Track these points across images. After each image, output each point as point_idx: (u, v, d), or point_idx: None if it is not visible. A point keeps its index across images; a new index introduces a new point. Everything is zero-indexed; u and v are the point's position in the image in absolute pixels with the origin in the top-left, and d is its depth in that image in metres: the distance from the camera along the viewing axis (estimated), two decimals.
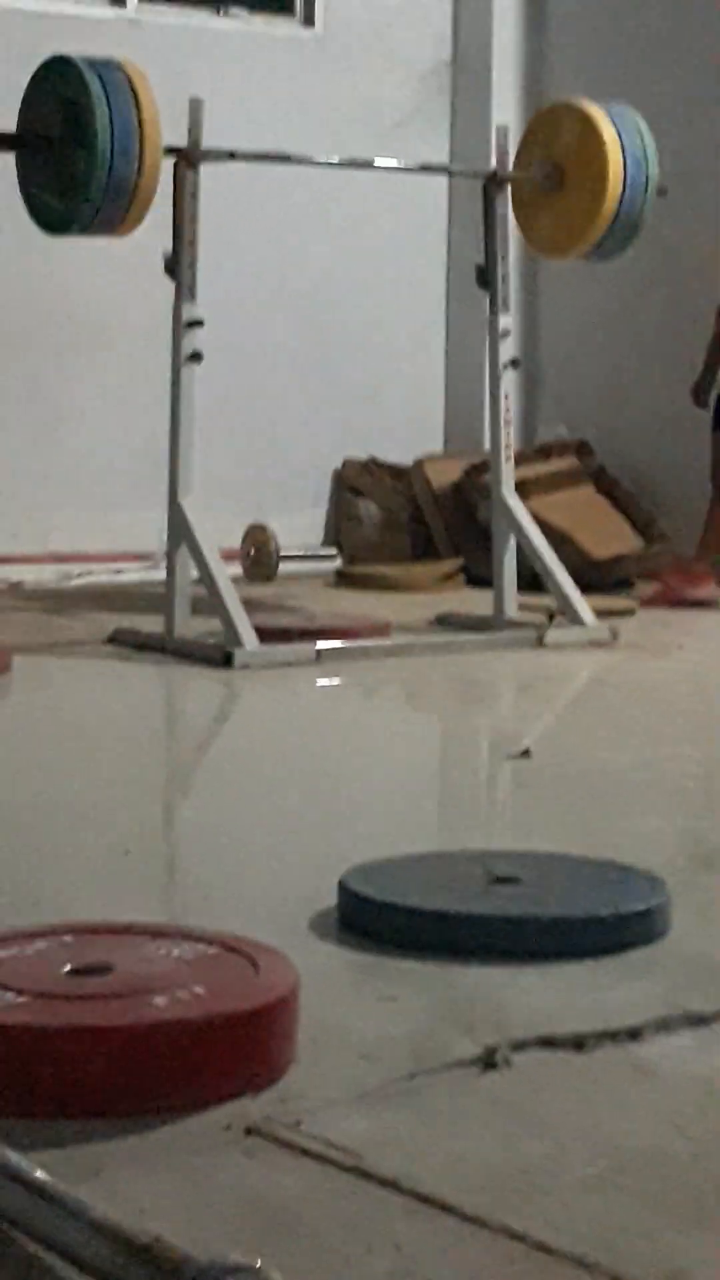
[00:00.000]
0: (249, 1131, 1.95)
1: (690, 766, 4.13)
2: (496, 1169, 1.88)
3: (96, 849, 3.37)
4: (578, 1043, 2.25)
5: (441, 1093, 2.10)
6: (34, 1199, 1.66)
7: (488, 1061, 2.18)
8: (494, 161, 6.43)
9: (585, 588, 6.38)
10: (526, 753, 4.20)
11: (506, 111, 8.08)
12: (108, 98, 5.34)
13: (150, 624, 5.90)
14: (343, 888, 2.79)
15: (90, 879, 3.14)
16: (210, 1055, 2.04)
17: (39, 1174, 1.69)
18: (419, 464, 8.29)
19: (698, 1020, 2.34)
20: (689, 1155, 1.93)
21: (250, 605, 5.83)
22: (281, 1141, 1.93)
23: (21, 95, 5.69)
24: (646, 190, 6.19)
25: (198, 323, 5.74)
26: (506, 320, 6.42)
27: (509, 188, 6.38)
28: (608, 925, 2.65)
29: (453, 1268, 1.67)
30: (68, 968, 2.22)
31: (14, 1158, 1.73)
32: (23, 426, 7.70)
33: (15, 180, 5.70)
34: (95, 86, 5.36)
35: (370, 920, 2.70)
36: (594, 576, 7.23)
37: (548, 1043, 2.25)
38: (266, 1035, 2.11)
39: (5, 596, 7.19)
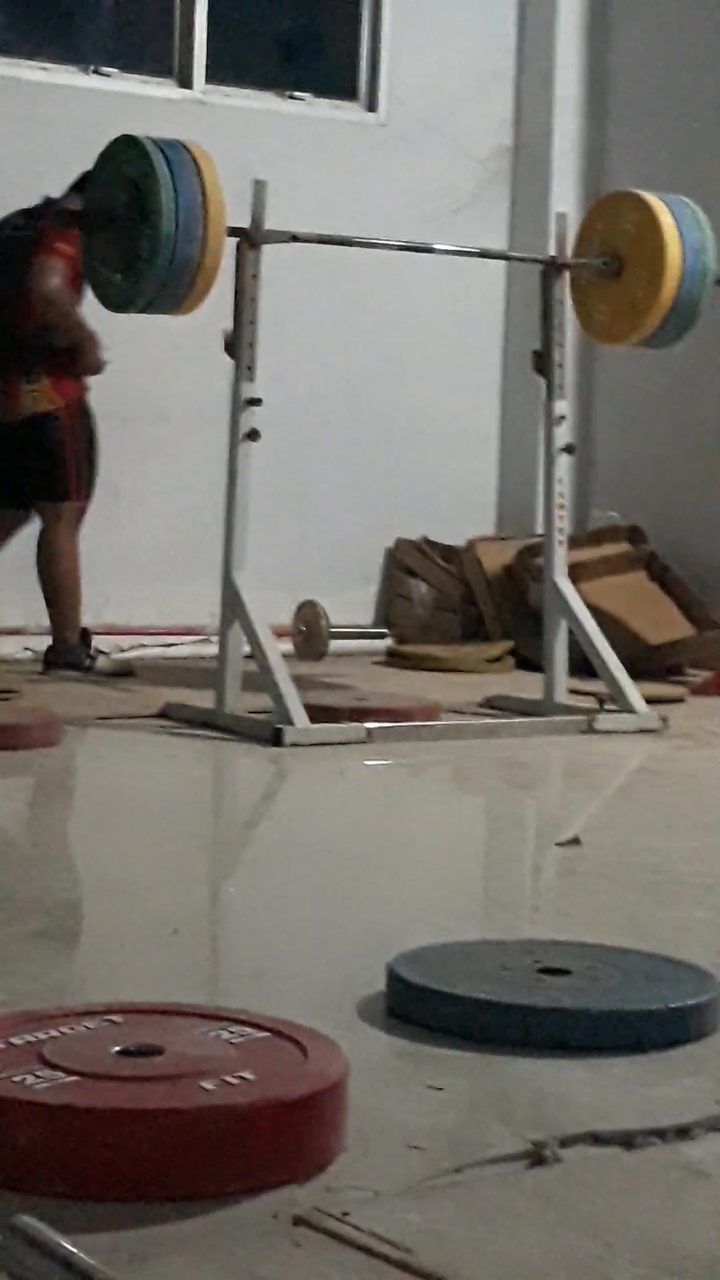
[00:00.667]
0: (297, 1221, 1.95)
1: None
2: (543, 1267, 1.87)
3: (144, 928, 3.37)
4: (626, 1140, 2.24)
5: (489, 1187, 2.09)
6: None
7: (535, 1157, 2.17)
8: (553, 248, 6.47)
9: (636, 674, 6.37)
10: (576, 840, 4.19)
11: (566, 199, 8.14)
12: (173, 177, 5.41)
13: (201, 699, 5.91)
14: (391, 974, 2.78)
15: (138, 958, 3.14)
16: (258, 1142, 2.03)
17: (86, 1259, 1.69)
18: (471, 545, 8.31)
19: None
20: None
21: (300, 682, 5.85)
22: (329, 1233, 1.92)
23: (89, 174, 5.78)
24: (705, 279, 6.22)
25: (256, 401, 5.77)
26: (562, 406, 6.44)
27: (567, 274, 6.41)
28: (658, 1020, 2.64)
29: None
30: (117, 1048, 2.22)
31: (61, 1241, 1.73)
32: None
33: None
34: (161, 166, 5.42)
35: (419, 1008, 2.70)
36: (645, 663, 7.22)
37: (596, 1139, 2.23)
38: (315, 1123, 2.10)
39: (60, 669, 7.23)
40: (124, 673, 6.90)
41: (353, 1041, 2.43)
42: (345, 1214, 1.97)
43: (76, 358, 6.81)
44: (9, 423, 6.88)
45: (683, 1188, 2.12)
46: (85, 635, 7.08)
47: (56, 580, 7.02)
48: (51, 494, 6.98)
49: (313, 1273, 1.84)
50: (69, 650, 6.98)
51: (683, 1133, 2.27)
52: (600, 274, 6.38)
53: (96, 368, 6.88)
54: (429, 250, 7.02)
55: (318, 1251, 1.89)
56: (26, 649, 7.39)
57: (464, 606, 8.24)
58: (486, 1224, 1.99)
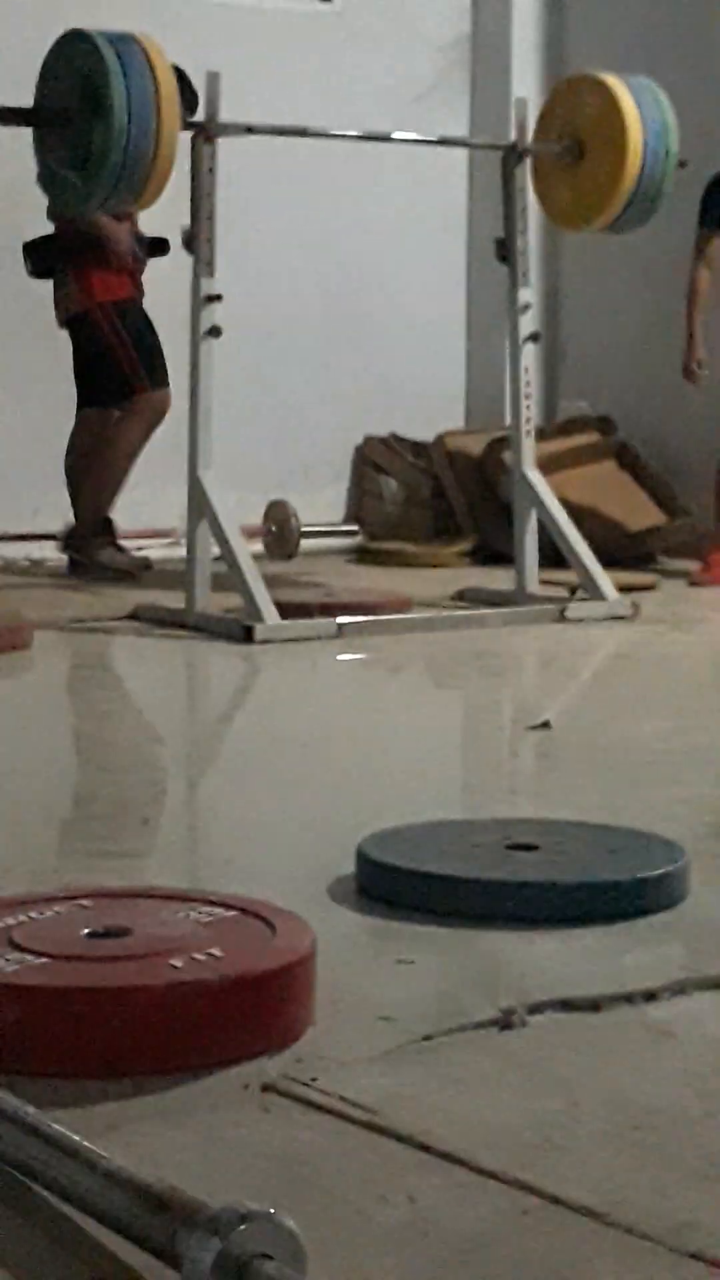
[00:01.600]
0: (265, 1089, 1.98)
1: (709, 738, 4.14)
2: (511, 1125, 1.90)
3: (116, 817, 3.40)
4: (594, 1005, 2.28)
5: (458, 1053, 2.12)
6: (53, 1152, 1.69)
7: (505, 1023, 2.20)
8: (514, 134, 6.42)
9: (609, 563, 6.39)
10: (546, 724, 4.22)
11: (526, 84, 8.07)
12: (125, 71, 5.35)
13: (171, 600, 5.92)
14: (361, 854, 2.81)
15: (111, 846, 3.17)
16: (227, 1016, 2.06)
17: (57, 1128, 1.72)
18: (440, 440, 8.29)
19: (714, 984, 2.36)
20: (702, 1113, 1.95)
21: (271, 581, 5.85)
22: (298, 1098, 1.96)
23: (39, 72, 5.71)
24: (667, 162, 6.18)
25: (216, 298, 5.75)
26: (527, 294, 6.42)
27: (529, 160, 6.37)
28: (625, 891, 2.67)
29: (465, 1219, 1.69)
30: (87, 931, 2.24)
31: (33, 1113, 1.76)
32: (42, 406, 7.72)
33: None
34: (112, 60, 5.36)
35: (388, 886, 2.73)
36: (620, 551, 7.24)
37: (565, 1005, 2.27)
38: (283, 996, 2.13)
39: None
40: (144, 568, 6.84)
41: (323, 920, 2.46)
42: (313, 1079, 2.00)
43: (102, 254, 6.74)
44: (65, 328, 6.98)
45: (649, 1048, 2.16)
46: (108, 525, 7.07)
47: (104, 460, 6.99)
48: (106, 395, 6.97)
49: (281, 1135, 1.87)
50: (81, 537, 6.97)
51: (650, 997, 2.31)
52: (562, 159, 6.33)
53: (123, 261, 6.81)
54: (388, 139, 6.96)
55: (286, 1116, 1.92)
56: (27, 558, 7.42)
57: (434, 501, 8.23)
58: (455, 1087, 2.02)
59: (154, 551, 7.46)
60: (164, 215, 5.71)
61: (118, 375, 6.88)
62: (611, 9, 8.37)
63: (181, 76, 6.38)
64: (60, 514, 7.57)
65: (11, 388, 7.61)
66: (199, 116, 5.73)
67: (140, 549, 7.63)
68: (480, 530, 7.92)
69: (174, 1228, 1.51)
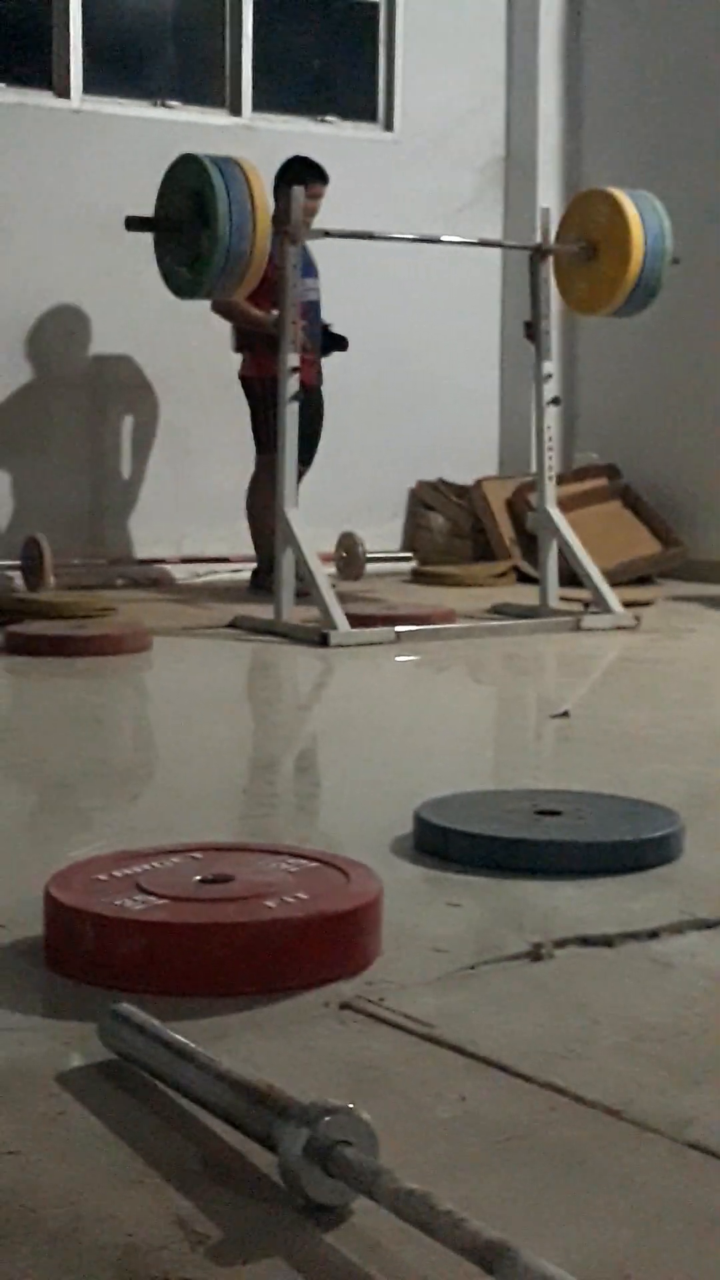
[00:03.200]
0: (343, 1007, 1.97)
1: (696, 725, 4.11)
2: (541, 1038, 1.89)
3: (220, 787, 3.40)
4: (608, 941, 2.26)
5: (497, 979, 2.11)
6: (174, 1057, 1.68)
7: (535, 955, 2.19)
8: (539, 237, 6.41)
9: (616, 583, 6.35)
10: (566, 714, 4.20)
11: (549, 197, 8.05)
12: (227, 187, 5.37)
13: (262, 612, 5.92)
14: (417, 817, 2.80)
15: (216, 811, 3.17)
16: (311, 947, 2.05)
17: (176, 1037, 1.72)
18: (479, 484, 8.27)
19: (705, 924, 2.34)
20: (698, 1029, 1.93)
21: (342, 597, 5.85)
22: (369, 1015, 1.95)
23: (158, 188, 5.73)
24: (664, 260, 6.15)
25: (296, 369, 5.76)
26: (549, 366, 6.40)
27: (551, 258, 6.35)
28: (633, 849, 2.66)
29: (505, 1113, 1.68)
30: (198, 878, 2.24)
31: (157, 1024, 1.76)
32: (163, 457, 7.77)
33: (153, 255, 5.74)
34: (217, 178, 5.38)
35: (440, 844, 2.72)
36: (623, 574, 7.21)
37: (584, 941, 2.26)
38: (357, 931, 2.12)
39: (146, 591, 7.25)
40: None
41: (387, 871, 2.45)
42: (381, 999, 1.99)
43: (265, 339, 6.58)
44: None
45: (652, 977, 2.14)
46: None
47: (256, 518, 6.99)
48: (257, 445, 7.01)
49: (355, 1044, 1.86)
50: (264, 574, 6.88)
51: (653, 935, 2.29)
52: (578, 257, 6.31)
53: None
54: (437, 241, 6.95)
55: (360, 1029, 1.91)
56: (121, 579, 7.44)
57: (474, 534, 8.21)
58: (495, 1006, 2.01)
59: (247, 573, 7.48)
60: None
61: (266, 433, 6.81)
62: (619, 135, 8.34)
63: (310, 163, 6.48)
64: (176, 542, 7.61)
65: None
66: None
67: (237, 570, 7.65)
68: (511, 556, 7.90)
69: (271, 1119, 1.50)
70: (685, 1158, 1.58)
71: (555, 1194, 1.50)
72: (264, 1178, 1.52)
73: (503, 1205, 1.47)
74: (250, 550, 7.30)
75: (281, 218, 5.74)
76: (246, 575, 7.41)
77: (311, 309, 6.77)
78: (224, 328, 7.08)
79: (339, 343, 7.03)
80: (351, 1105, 1.47)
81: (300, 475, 6.70)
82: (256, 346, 6.81)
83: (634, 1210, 1.47)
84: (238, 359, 7.14)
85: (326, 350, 7.09)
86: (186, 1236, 1.41)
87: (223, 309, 6.77)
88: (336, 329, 7.16)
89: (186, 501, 7.78)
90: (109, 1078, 1.76)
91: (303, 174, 6.75)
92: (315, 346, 6.92)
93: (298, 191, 5.84)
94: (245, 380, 7.05)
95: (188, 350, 7.67)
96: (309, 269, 6.78)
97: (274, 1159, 1.49)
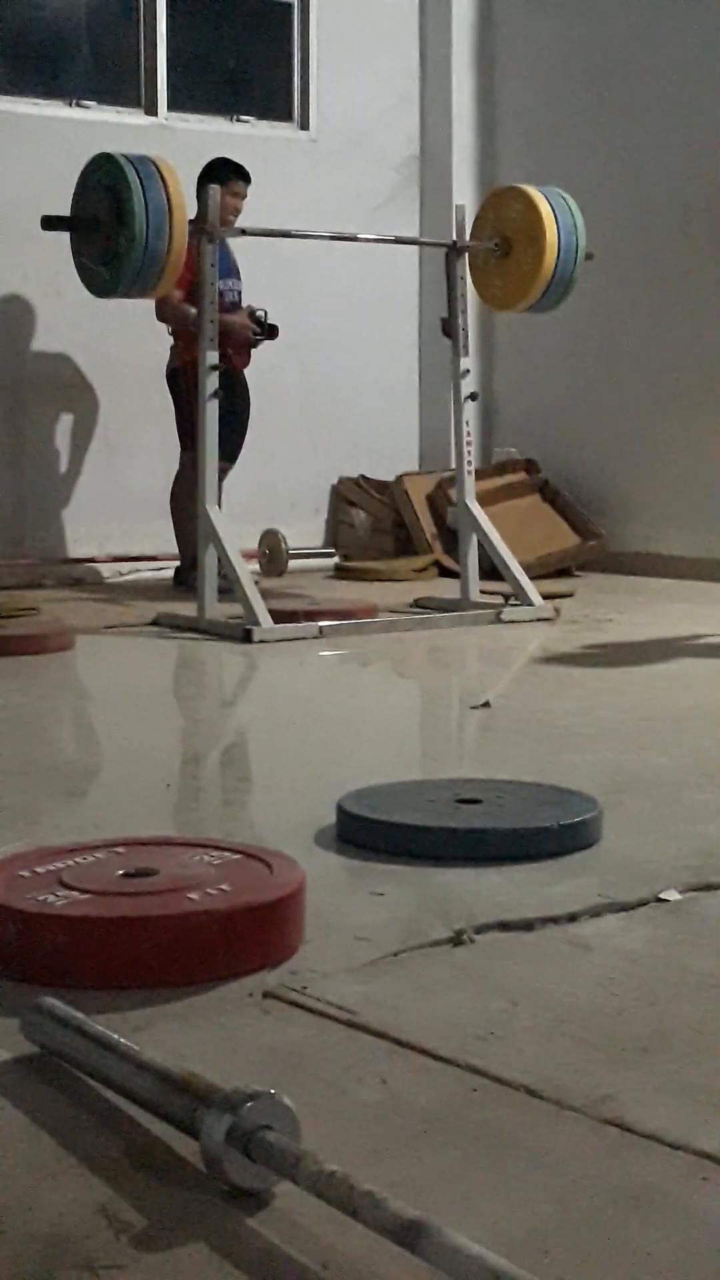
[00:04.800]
0: (266, 995, 1.97)
1: (614, 714, 4.14)
2: (463, 1021, 1.90)
3: (144, 783, 3.39)
4: (527, 925, 2.28)
5: (420, 965, 2.12)
6: (96, 1047, 1.68)
7: (456, 940, 2.20)
8: (454, 234, 6.43)
9: (535, 576, 6.37)
10: (487, 704, 4.22)
11: (464, 194, 8.07)
12: (143, 186, 5.34)
13: (185, 609, 5.91)
14: (340, 808, 2.81)
15: (141, 806, 3.16)
16: (235, 938, 2.05)
17: (98, 1028, 1.71)
18: (399, 479, 8.29)
19: (622, 907, 2.36)
20: (615, 1010, 1.95)
21: (265, 594, 5.84)
22: (291, 1003, 1.95)
23: (74, 187, 5.69)
24: (577, 256, 6.19)
25: (217, 366, 5.74)
26: (466, 362, 6.42)
27: (466, 255, 6.38)
28: (551, 835, 2.67)
29: (427, 1096, 1.69)
30: (121, 872, 2.24)
31: (79, 1016, 1.75)
32: (86, 457, 7.73)
33: (70, 254, 5.70)
34: (133, 177, 5.35)
35: (362, 834, 2.72)
36: (541, 566, 7.25)
37: (504, 926, 2.27)
38: (280, 922, 2.13)
39: (70, 590, 7.20)
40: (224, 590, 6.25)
41: (310, 861, 2.45)
42: (304, 988, 2.00)
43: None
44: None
45: (571, 960, 2.16)
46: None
47: (180, 515, 6.87)
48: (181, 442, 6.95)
49: (278, 1033, 1.87)
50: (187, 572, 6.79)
51: (572, 918, 2.31)
52: (492, 254, 6.34)
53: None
54: (355, 239, 6.96)
55: (283, 1017, 1.91)
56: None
57: (395, 529, 8.23)
58: (419, 992, 2.02)
59: (169, 571, 7.46)
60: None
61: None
62: (531, 133, 8.39)
63: (232, 164, 6.47)
64: (100, 541, 7.57)
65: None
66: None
67: (160, 569, 7.63)
68: (432, 551, 7.92)
69: (194, 1106, 1.50)
70: (604, 1134, 1.59)
71: (477, 1173, 1.51)
72: (187, 1165, 1.52)
73: (426, 1186, 1.48)
74: (174, 548, 7.27)
75: (201, 216, 5.72)
76: (168, 573, 7.38)
77: (232, 310, 6.75)
78: (145, 325, 7.05)
79: (270, 332, 7.00)
80: (273, 1090, 1.47)
81: (225, 472, 6.69)
82: (184, 337, 6.76)
83: (554, 1186, 1.48)
84: (161, 357, 7.10)
85: (258, 339, 7.04)
86: (111, 1225, 1.41)
87: (161, 312, 6.73)
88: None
89: (111, 499, 7.74)
90: (32, 1071, 1.75)
91: (223, 173, 6.75)
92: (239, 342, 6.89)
93: (214, 190, 5.82)
94: (171, 374, 7.00)
95: (109, 349, 7.63)
96: (229, 270, 6.77)
97: (197, 1146, 1.49)
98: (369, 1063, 1.77)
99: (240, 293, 6.98)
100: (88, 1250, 1.36)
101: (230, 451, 6.59)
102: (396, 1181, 1.45)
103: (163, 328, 6.95)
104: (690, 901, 2.40)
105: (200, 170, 6.82)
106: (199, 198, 6.28)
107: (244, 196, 6.89)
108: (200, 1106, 1.49)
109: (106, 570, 7.62)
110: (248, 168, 7.03)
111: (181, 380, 6.86)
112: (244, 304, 6.93)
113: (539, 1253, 1.36)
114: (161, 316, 6.81)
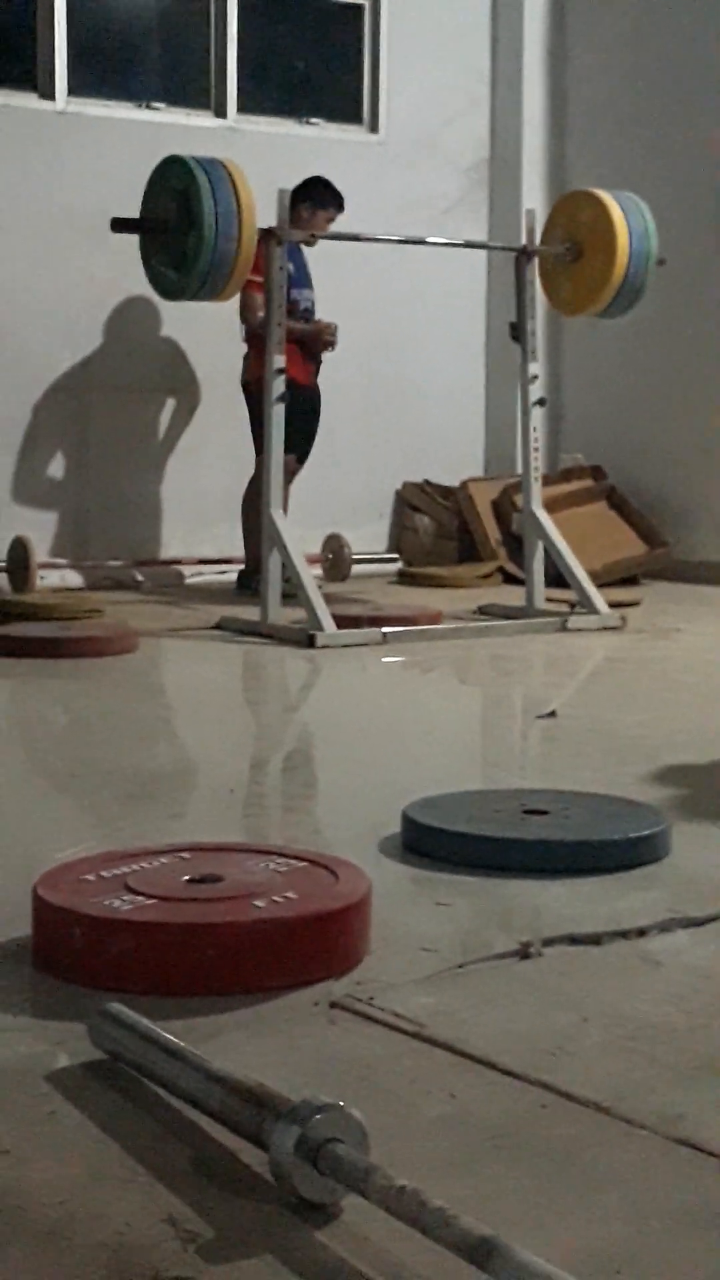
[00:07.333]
0: (332, 1006, 1.97)
1: (681, 725, 4.11)
2: (531, 1036, 1.89)
3: (208, 788, 3.40)
4: (596, 939, 2.26)
5: (486, 978, 2.11)
6: (164, 1055, 1.68)
7: (523, 954, 2.19)
8: (524, 238, 6.42)
9: (602, 584, 6.35)
10: (553, 714, 4.21)
11: (534, 198, 8.06)
12: (213, 189, 5.37)
13: (249, 613, 5.92)
14: (405, 817, 2.80)
15: (205, 811, 3.17)
16: (300, 946, 2.05)
17: (167, 1036, 1.71)
18: (464, 485, 8.28)
19: (691, 922, 2.35)
20: (686, 1027, 1.94)
21: (328, 598, 5.85)
22: (358, 1013, 1.95)
23: (144, 189, 5.73)
24: (648, 261, 6.16)
25: (283, 371, 5.75)
26: (535, 367, 6.41)
27: (536, 260, 6.36)
28: (619, 848, 2.66)
29: (495, 1111, 1.68)
30: (187, 878, 2.24)
31: (147, 1024, 1.75)
32: (149, 462, 7.77)
33: (139, 257, 5.74)
34: (202, 179, 5.38)
35: (427, 843, 2.72)
36: (608, 574, 7.22)
37: (572, 939, 2.26)
38: (345, 930, 2.12)
39: (134, 592, 7.24)
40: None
41: (375, 870, 2.45)
42: (371, 998, 1.99)
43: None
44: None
45: (639, 975, 2.14)
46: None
47: (250, 520, 6.82)
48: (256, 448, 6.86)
49: (345, 1043, 1.86)
50: (251, 576, 6.76)
51: (640, 933, 2.30)
52: (563, 258, 6.32)
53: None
54: (423, 243, 6.96)
55: (349, 1028, 1.91)
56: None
57: (459, 535, 8.22)
58: (485, 1004, 2.01)
59: (233, 575, 7.48)
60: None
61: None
62: (603, 136, 8.36)
63: (333, 189, 6.52)
64: (164, 544, 7.60)
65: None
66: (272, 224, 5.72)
67: (223, 572, 7.65)
68: (497, 557, 7.91)
69: (262, 1117, 1.50)
70: (675, 1154, 1.58)
71: (546, 1191, 1.50)
72: (255, 1176, 1.52)
73: (494, 1202, 1.47)
74: (240, 552, 7.30)
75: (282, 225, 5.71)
76: (232, 576, 7.41)
77: (306, 318, 6.78)
78: (212, 328, 7.07)
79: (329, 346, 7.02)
80: (342, 1103, 1.47)
81: (294, 473, 6.72)
82: (255, 349, 6.78)
83: (624, 1205, 1.47)
84: (230, 359, 7.12)
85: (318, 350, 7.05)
86: (178, 1234, 1.41)
87: (244, 313, 6.77)
88: None
89: (175, 503, 7.78)
90: (99, 1077, 1.76)
91: (323, 196, 6.83)
92: (311, 351, 6.92)
93: (283, 193, 5.82)
94: (245, 385, 7.01)
95: (176, 352, 7.67)
96: (304, 279, 6.80)
97: (265, 1157, 1.49)
98: (436, 1076, 1.76)
99: (314, 302, 7.00)
100: (154, 1260, 1.37)
101: (300, 452, 6.63)
102: (463, 1197, 1.44)
103: (233, 331, 6.96)
104: None
105: (296, 184, 6.76)
106: (292, 216, 6.19)
107: (333, 221, 6.93)
108: (269, 1118, 1.49)
109: (170, 574, 7.65)
110: (315, 170, 7.04)
111: (254, 390, 6.87)
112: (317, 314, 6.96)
113: (609, 1272, 1.35)
114: (245, 315, 6.79)
